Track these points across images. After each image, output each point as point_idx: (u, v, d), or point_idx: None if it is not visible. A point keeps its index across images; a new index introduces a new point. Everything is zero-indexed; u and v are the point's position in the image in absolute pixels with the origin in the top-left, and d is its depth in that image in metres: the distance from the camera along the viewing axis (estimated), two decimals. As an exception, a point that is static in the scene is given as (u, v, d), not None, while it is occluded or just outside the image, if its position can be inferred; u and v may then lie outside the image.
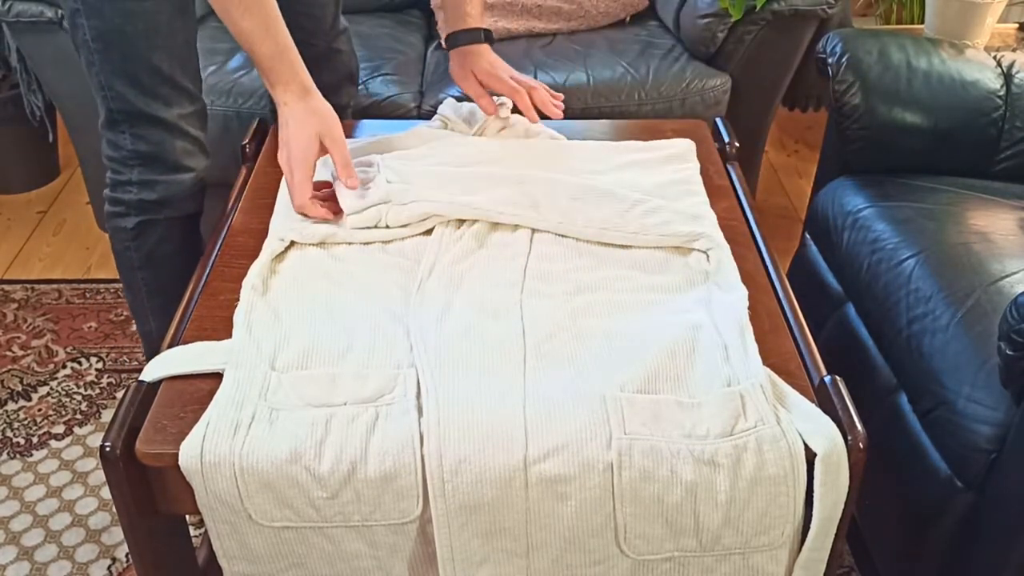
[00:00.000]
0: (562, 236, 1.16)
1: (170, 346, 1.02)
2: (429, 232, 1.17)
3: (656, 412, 0.91)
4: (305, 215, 1.18)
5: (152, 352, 1.01)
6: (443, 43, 1.48)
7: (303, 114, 1.19)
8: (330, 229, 1.16)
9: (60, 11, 1.76)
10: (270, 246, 1.14)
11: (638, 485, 0.87)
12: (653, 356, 0.97)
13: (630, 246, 1.15)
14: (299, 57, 1.21)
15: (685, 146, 1.36)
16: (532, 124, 1.39)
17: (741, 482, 0.88)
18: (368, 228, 1.16)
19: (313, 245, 1.15)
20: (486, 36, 1.44)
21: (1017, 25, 2.22)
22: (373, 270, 1.11)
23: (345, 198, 1.18)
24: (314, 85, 1.22)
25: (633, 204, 1.18)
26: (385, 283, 1.09)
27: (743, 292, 1.06)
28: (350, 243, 1.16)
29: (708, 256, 1.13)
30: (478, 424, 0.89)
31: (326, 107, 1.21)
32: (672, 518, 0.88)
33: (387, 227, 1.17)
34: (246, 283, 1.07)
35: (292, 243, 1.15)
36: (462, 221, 1.17)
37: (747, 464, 0.88)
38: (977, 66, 1.60)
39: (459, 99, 1.50)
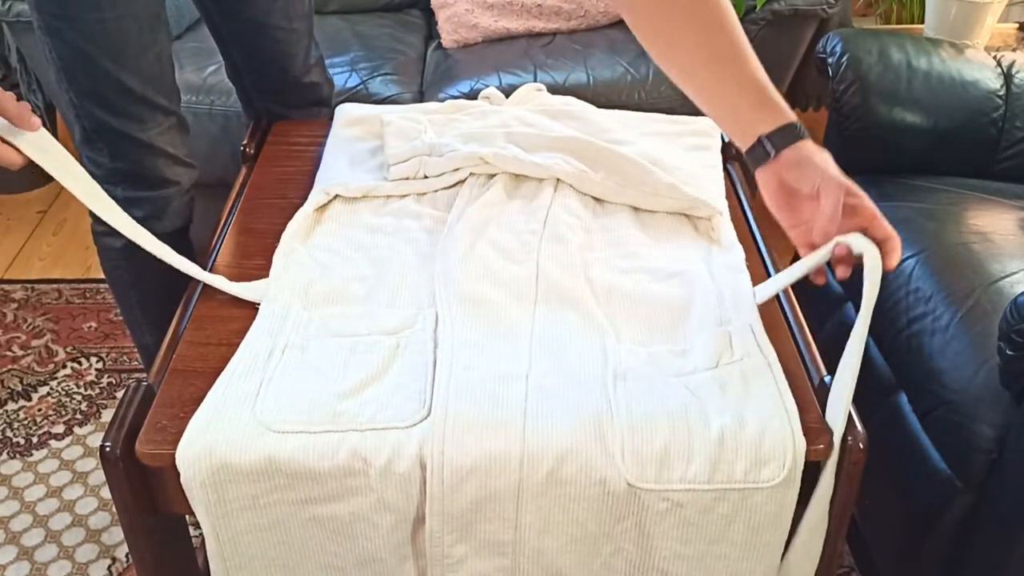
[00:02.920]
0: (583, 193, 1.23)
1: (168, 347, 1.02)
2: (462, 184, 1.24)
3: (651, 359, 0.97)
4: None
5: (151, 364, 1.00)
6: (745, 157, 0.99)
7: None
8: (372, 184, 1.23)
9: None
10: (314, 198, 1.20)
11: (632, 399, 0.91)
12: (652, 312, 1.04)
13: (643, 210, 1.22)
14: None
15: (709, 124, 1.40)
16: (567, 98, 1.42)
17: (731, 402, 0.91)
18: (407, 179, 1.24)
19: (355, 198, 1.22)
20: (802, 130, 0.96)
21: (1017, 25, 2.22)
22: (406, 219, 1.19)
23: (392, 147, 1.25)
24: None
25: (652, 172, 1.23)
26: (415, 231, 1.16)
27: (739, 248, 1.13)
28: (389, 196, 1.23)
29: (712, 222, 1.19)
30: (487, 354, 0.95)
31: None
32: (666, 439, 0.88)
33: (425, 177, 1.24)
34: (288, 229, 1.15)
35: (336, 196, 1.23)
36: (492, 174, 1.24)
37: (734, 389, 0.92)
38: (977, 66, 1.60)
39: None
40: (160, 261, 1.34)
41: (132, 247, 1.32)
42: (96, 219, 1.32)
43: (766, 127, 0.95)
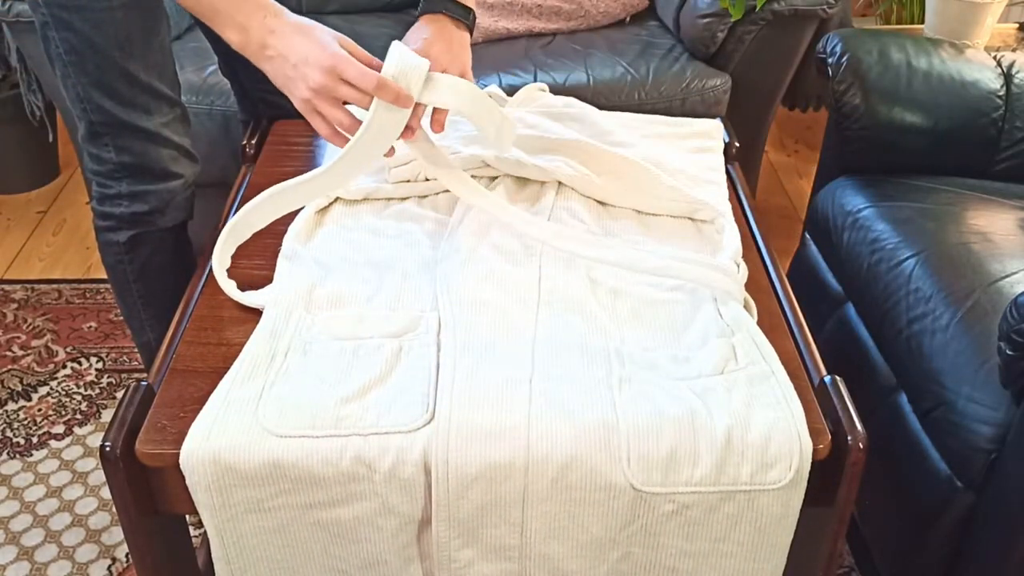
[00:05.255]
0: (585, 196, 1.23)
1: (168, 347, 1.02)
2: None
3: (655, 363, 0.96)
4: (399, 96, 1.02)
5: (151, 362, 1.01)
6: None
7: (306, 23, 1.05)
8: (372, 186, 1.23)
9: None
10: (315, 200, 1.20)
11: (637, 402, 0.90)
12: (655, 318, 1.03)
13: (645, 212, 1.22)
14: None
15: (711, 125, 1.40)
16: (568, 99, 1.42)
17: (737, 405, 0.91)
18: (408, 181, 1.24)
19: (356, 201, 1.22)
20: (458, 10, 1.16)
21: (1017, 25, 2.22)
22: (407, 221, 1.18)
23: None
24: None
25: (654, 175, 1.23)
26: (417, 233, 1.16)
27: (740, 252, 1.12)
28: (390, 199, 1.23)
29: (715, 225, 1.19)
30: (490, 358, 0.95)
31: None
32: (673, 442, 0.88)
33: (426, 179, 1.24)
34: (289, 232, 1.15)
35: (336, 198, 1.23)
36: (494, 177, 1.24)
37: (740, 393, 0.92)
38: (977, 66, 1.60)
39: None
40: (163, 255, 1.35)
41: (136, 241, 1.32)
42: (99, 214, 1.33)
43: None
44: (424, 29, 1.16)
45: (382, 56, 1.06)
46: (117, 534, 1.53)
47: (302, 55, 1.03)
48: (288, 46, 1.03)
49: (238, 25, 1.03)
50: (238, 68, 1.48)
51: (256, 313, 1.04)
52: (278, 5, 1.06)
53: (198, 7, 1.05)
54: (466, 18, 1.18)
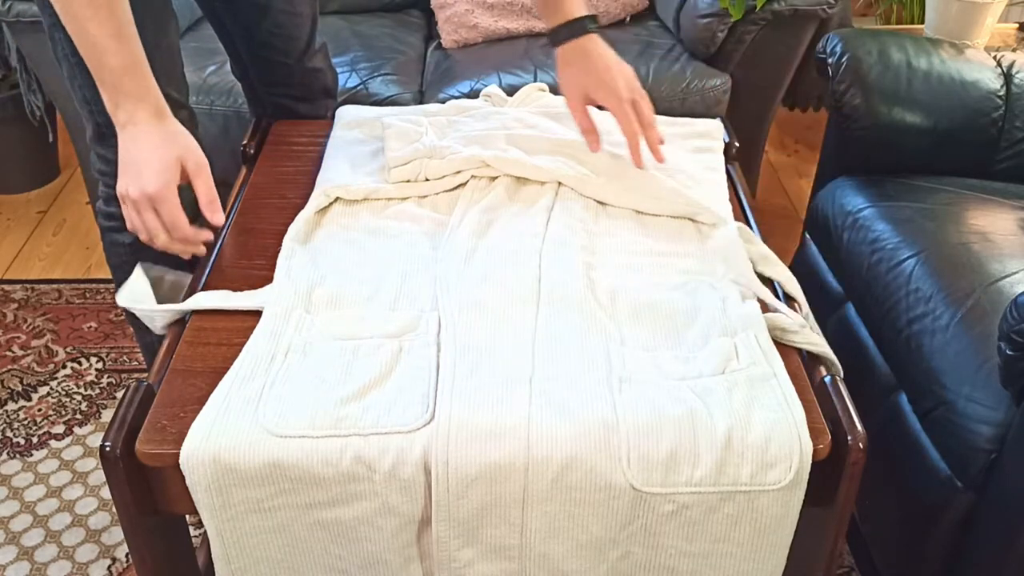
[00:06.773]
0: (585, 196, 1.22)
1: (168, 347, 1.02)
2: (463, 186, 1.24)
3: (655, 363, 0.96)
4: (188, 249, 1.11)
5: (154, 362, 1.01)
6: (548, 40, 1.27)
7: (159, 135, 1.06)
8: (372, 186, 1.23)
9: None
10: (315, 200, 1.20)
11: (638, 403, 0.90)
12: (656, 318, 1.03)
13: (644, 213, 1.21)
14: (151, 74, 1.07)
15: (712, 125, 1.40)
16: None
17: (737, 406, 0.90)
18: (408, 182, 1.24)
19: (356, 201, 1.22)
20: (590, 23, 1.23)
21: (1017, 25, 2.22)
22: (407, 222, 1.18)
23: (392, 149, 1.25)
24: (169, 110, 1.08)
25: (653, 175, 1.23)
26: (416, 234, 1.16)
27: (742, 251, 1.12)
28: (390, 199, 1.23)
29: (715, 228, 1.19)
30: (490, 358, 0.95)
31: (186, 132, 1.09)
32: (673, 442, 0.88)
33: (426, 180, 1.24)
34: (289, 232, 1.15)
35: (336, 198, 1.23)
36: (494, 177, 1.24)
37: (741, 393, 0.92)
38: (977, 66, 1.60)
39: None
40: (167, 256, 1.34)
41: (140, 242, 1.32)
42: (105, 215, 1.32)
43: (564, 15, 1.21)
44: (583, 60, 1.23)
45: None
46: (117, 534, 1.53)
47: (135, 163, 1.05)
48: (134, 146, 1.06)
49: (119, 98, 1.05)
50: (249, 68, 1.48)
51: (256, 313, 1.04)
52: (160, 105, 1.08)
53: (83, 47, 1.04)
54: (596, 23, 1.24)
